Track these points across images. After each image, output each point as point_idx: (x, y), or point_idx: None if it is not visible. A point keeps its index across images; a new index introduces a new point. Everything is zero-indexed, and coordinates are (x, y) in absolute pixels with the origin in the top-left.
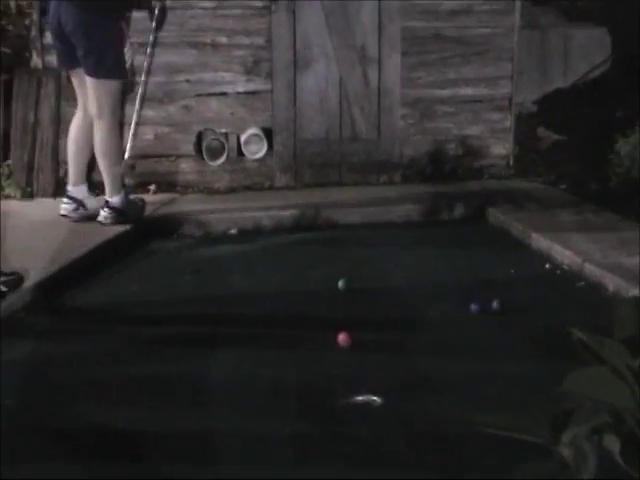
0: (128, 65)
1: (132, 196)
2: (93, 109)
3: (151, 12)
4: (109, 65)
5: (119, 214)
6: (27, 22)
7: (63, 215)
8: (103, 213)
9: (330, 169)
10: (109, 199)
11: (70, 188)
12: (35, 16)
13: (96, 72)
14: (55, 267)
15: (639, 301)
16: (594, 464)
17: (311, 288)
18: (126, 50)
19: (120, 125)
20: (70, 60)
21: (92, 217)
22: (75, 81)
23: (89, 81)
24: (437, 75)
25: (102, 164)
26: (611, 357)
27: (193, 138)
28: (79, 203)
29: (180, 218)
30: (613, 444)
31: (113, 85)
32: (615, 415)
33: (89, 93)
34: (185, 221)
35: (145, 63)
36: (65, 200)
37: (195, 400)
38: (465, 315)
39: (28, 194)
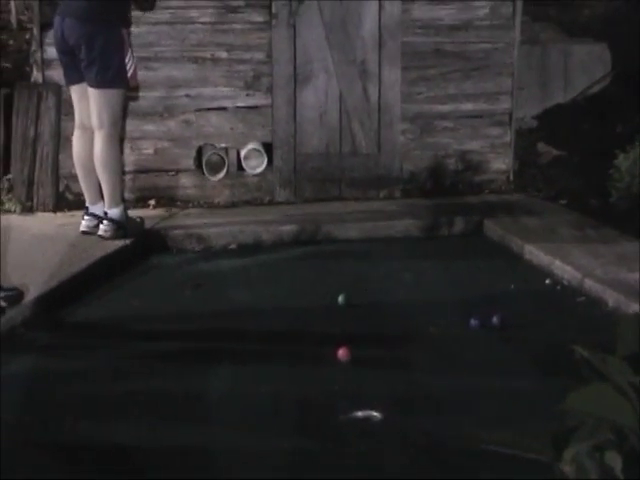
0: (130, 74)
1: (130, 213)
2: (94, 120)
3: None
4: (111, 74)
5: (118, 227)
6: (27, 37)
7: (84, 232)
8: (102, 226)
9: (330, 184)
10: (108, 211)
11: (89, 206)
12: (35, 31)
13: (98, 82)
14: (55, 282)
15: None
16: None
17: (311, 303)
18: (127, 60)
19: (121, 139)
20: (73, 74)
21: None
22: (75, 96)
23: (91, 92)
24: (437, 90)
25: (101, 175)
26: (613, 374)
27: (193, 153)
28: (100, 219)
29: (180, 233)
30: (615, 461)
31: (115, 95)
32: (617, 432)
33: (91, 104)
34: (185, 236)
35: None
36: (86, 217)
37: (195, 416)
38: (465, 330)
39: (28, 208)
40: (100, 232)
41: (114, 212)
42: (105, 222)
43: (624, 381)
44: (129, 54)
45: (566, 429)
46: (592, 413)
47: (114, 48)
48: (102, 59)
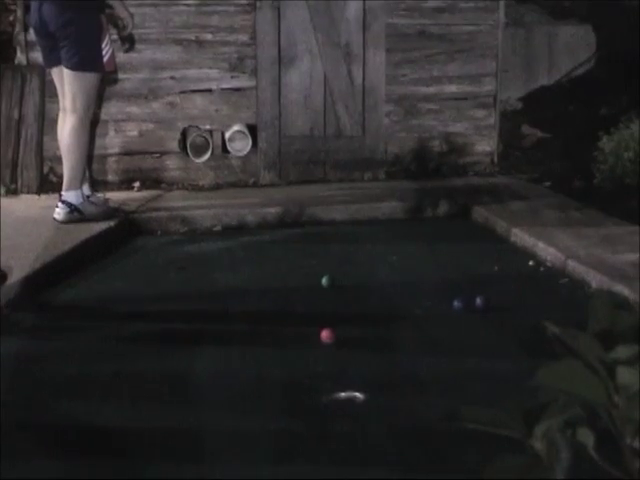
0: (106, 59)
1: (98, 195)
2: (68, 103)
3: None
4: (86, 58)
5: (73, 210)
6: (11, 18)
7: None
8: (57, 209)
9: (314, 166)
10: (64, 193)
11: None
12: (19, 13)
13: (73, 65)
14: (39, 264)
15: (612, 295)
16: (567, 457)
17: (295, 285)
18: (104, 45)
19: (95, 123)
20: (52, 57)
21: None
22: (56, 79)
23: (66, 73)
24: (421, 72)
25: (65, 157)
26: (584, 351)
27: (178, 135)
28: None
29: (164, 215)
30: (587, 438)
31: (90, 79)
32: (588, 409)
33: (65, 86)
34: (169, 218)
35: None
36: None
37: (179, 397)
38: (449, 312)
39: (12, 191)
40: (54, 214)
41: (70, 195)
42: (59, 204)
43: (595, 358)
44: (106, 39)
45: (537, 405)
46: (563, 389)
47: (91, 33)
48: (78, 43)
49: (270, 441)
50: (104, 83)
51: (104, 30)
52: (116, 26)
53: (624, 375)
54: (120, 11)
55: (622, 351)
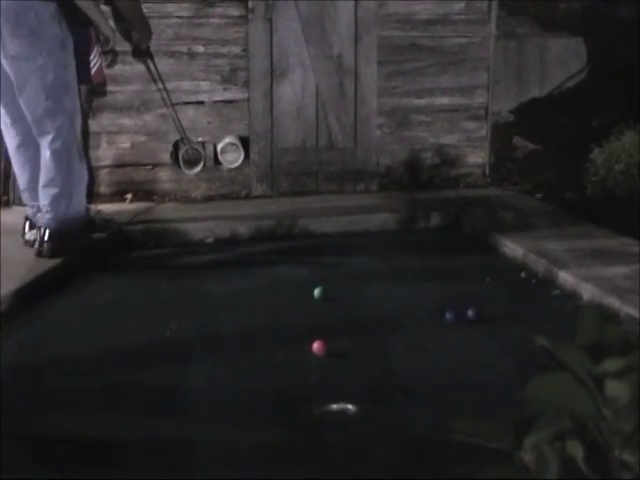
0: (94, 71)
1: (91, 206)
2: None
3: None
4: None
5: None
6: None
7: None
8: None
9: (307, 178)
10: None
11: None
12: None
13: None
14: (31, 275)
15: (601, 308)
16: (556, 470)
17: (287, 297)
18: (92, 57)
19: (84, 134)
20: None
21: None
22: None
23: None
24: (413, 84)
25: None
26: (573, 363)
27: (170, 147)
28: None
29: (157, 227)
30: (576, 450)
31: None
32: (577, 421)
33: None
34: (162, 230)
35: None
36: None
37: (171, 408)
38: (441, 324)
39: (4, 203)
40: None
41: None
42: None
43: (583, 370)
44: (95, 51)
45: (526, 417)
46: (552, 402)
47: (79, 45)
48: None
49: (262, 452)
50: (92, 95)
51: (92, 42)
52: (98, 41)
53: (612, 388)
54: (103, 27)
55: (610, 364)
